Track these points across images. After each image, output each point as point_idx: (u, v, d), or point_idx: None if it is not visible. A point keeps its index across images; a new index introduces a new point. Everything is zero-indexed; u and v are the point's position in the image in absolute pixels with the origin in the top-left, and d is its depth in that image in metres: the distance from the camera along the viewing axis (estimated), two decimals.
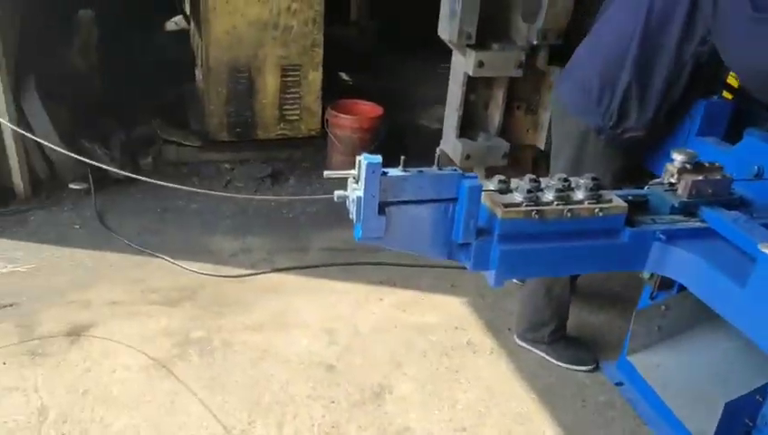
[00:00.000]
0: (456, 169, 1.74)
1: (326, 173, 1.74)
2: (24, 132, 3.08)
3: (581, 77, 2.43)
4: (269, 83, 4.56)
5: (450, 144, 3.88)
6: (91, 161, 2.48)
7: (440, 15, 3.56)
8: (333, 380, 2.66)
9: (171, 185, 2.04)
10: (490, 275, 1.84)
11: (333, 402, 2.54)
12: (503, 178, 1.84)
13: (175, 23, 6.71)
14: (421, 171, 1.72)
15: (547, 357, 2.83)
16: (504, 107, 3.77)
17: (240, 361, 2.72)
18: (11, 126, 3.16)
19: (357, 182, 1.68)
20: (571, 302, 2.84)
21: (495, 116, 3.81)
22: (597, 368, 2.81)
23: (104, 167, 2.82)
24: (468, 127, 3.86)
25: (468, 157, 3.73)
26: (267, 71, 4.51)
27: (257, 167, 4.48)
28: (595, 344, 2.97)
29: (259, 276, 3.31)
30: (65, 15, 4.69)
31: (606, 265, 1.93)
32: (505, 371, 2.78)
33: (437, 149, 4.27)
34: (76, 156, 2.44)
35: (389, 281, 3.34)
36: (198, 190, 2.00)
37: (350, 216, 1.70)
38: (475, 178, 1.74)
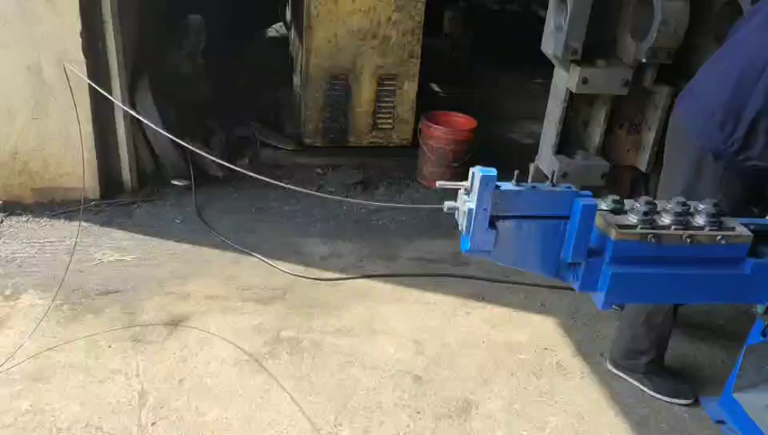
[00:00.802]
0: (570, 187, 1.70)
1: (439, 183, 1.74)
2: (143, 120, 3.23)
3: (705, 100, 2.35)
4: (365, 92, 4.63)
5: (546, 161, 3.81)
6: (203, 152, 2.58)
7: (545, 29, 3.51)
8: (420, 390, 2.65)
9: (268, 179, 2.12)
10: (599, 298, 1.79)
11: (419, 413, 2.53)
12: (617, 198, 1.78)
13: (276, 30, 6.93)
14: (534, 187, 1.70)
15: (642, 387, 2.71)
16: (606, 126, 3.68)
17: (328, 363, 2.75)
18: (131, 111, 3.33)
19: (468, 194, 1.67)
20: (671, 332, 2.72)
21: (596, 134, 3.71)
22: (696, 403, 2.67)
23: (209, 158, 2.90)
24: (564, 144, 3.78)
25: (565, 174, 3.64)
26: (364, 79, 4.58)
27: (348, 173, 4.54)
28: (694, 378, 2.83)
29: (348, 281, 3.35)
30: (176, 20, 4.95)
31: (724, 297, 1.84)
32: (597, 397, 2.69)
33: (530, 166, 4.20)
34: (188, 146, 2.52)
35: (478, 295, 3.30)
36: (293, 188, 2.05)
37: (460, 228, 1.69)
38: (590, 196, 1.70)
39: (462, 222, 1.69)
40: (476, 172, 1.63)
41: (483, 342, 2.98)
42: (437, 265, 3.48)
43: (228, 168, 2.64)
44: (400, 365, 2.78)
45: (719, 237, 1.71)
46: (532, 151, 3.83)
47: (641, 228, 1.71)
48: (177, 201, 3.98)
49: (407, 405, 2.57)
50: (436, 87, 6.85)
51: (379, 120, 4.75)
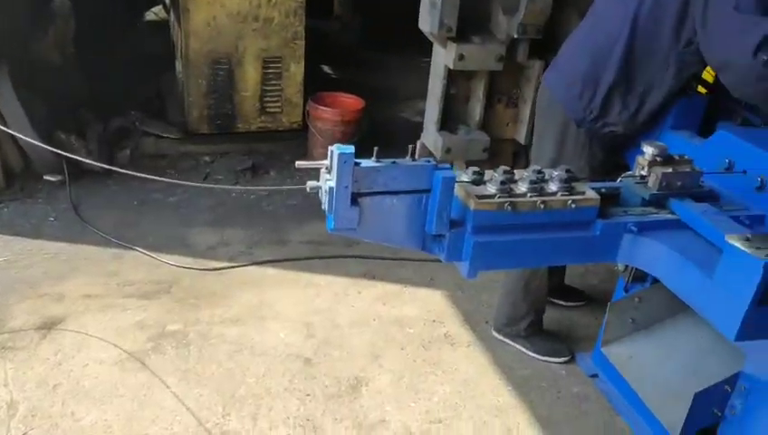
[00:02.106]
0: (429, 161, 1.74)
1: (298, 163, 1.73)
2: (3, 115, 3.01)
3: (567, 71, 2.47)
4: (250, 75, 4.53)
5: (431, 137, 3.88)
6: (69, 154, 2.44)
7: (420, 7, 3.55)
8: (310, 373, 2.65)
9: (144, 175, 2.02)
10: (464, 267, 1.85)
11: (309, 395, 2.54)
12: (477, 169, 1.84)
13: (154, 13, 6.63)
14: (395, 162, 1.72)
15: (524, 350, 2.84)
16: (485, 101, 3.79)
17: (216, 353, 2.70)
18: None
19: (329, 173, 1.68)
20: (547, 295, 2.86)
21: (476, 109, 3.82)
22: (572, 360, 2.83)
23: (78, 158, 2.77)
24: (449, 120, 3.87)
25: (449, 150, 3.74)
26: (248, 63, 4.48)
27: (237, 159, 4.45)
28: (572, 337, 2.99)
29: (237, 269, 3.29)
30: (41, 4, 4.62)
31: (578, 257, 1.94)
32: (482, 363, 2.79)
33: (417, 143, 4.27)
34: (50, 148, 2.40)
35: (369, 274, 3.34)
36: (175, 181, 1.98)
37: (323, 207, 1.69)
38: (449, 169, 1.74)
39: (325, 201, 1.69)
40: (334, 150, 1.63)
41: (374, 319, 3.01)
42: (328, 246, 3.48)
43: (103, 163, 2.52)
44: (291, 349, 2.77)
45: (569, 202, 1.80)
46: (420, 129, 3.89)
47: (499, 197, 1.77)
48: (50, 198, 3.76)
49: (296, 389, 2.56)
50: (327, 69, 6.84)
51: (266, 104, 4.67)
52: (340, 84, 5.74)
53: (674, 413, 2.14)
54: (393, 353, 2.80)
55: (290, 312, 3.01)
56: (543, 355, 2.82)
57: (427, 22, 3.49)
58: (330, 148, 1.66)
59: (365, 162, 1.69)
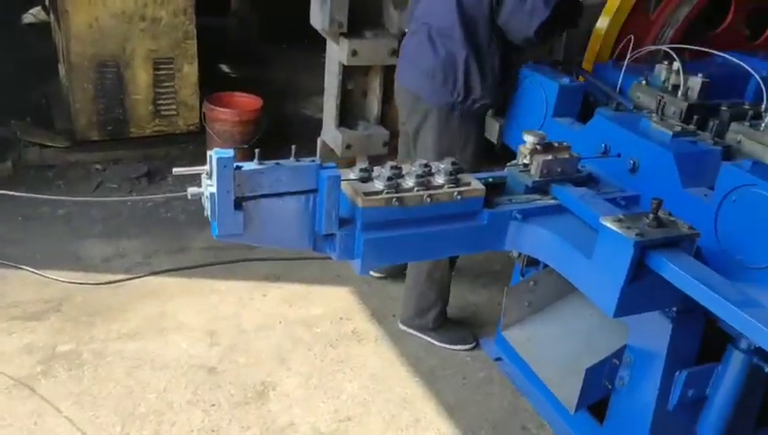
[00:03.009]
0: (314, 160, 1.72)
1: (175, 170, 1.67)
2: None
3: (423, 65, 2.58)
4: (140, 78, 4.35)
5: (330, 134, 3.87)
6: None
7: (311, 3, 3.52)
8: (215, 382, 2.58)
9: (13, 193, 1.89)
10: (356, 265, 1.85)
11: (214, 405, 2.47)
12: (364, 166, 1.84)
13: (32, 15, 6.23)
14: (278, 163, 1.70)
15: (431, 340, 2.88)
16: (382, 95, 3.80)
17: (113, 371, 2.58)
18: None
19: (210, 178, 1.63)
20: (450, 284, 2.91)
21: (374, 104, 3.84)
22: (477, 345, 2.90)
23: None
24: (348, 116, 3.86)
25: (349, 146, 3.73)
26: (137, 65, 4.30)
27: (132, 166, 4.26)
28: (476, 322, 3.07)
29: (135, 281, 3.16)
30: None
31: (468, 247, 1.99)
32: (390, 357, 2.81)
33: (318, 140, 4.23)
34: None
35: (274, 276, 3.29)
36: (50, 197, 1.85)
37: (205, 213, 1.65)
38: (334, 168, 1.73)
39: (207, 207, 1.65)
40: (213, 155, 1.59)
41: (280, 322, 2.97)
42: (231, 251, 3.40)
43: None
44: (194, 360, 2.69)
45: (456, 194, 1.83)
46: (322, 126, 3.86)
47: (386, 193, 1.78)
48: None
49: (201, 400, 2.49)
50: (225, 68, 6.67)
51: (160, 107, 4.50)
52: (239, 83, 5.62)
53: (569, 389, 2.24)
54: (300, 355, 2.78)
55: (192, 321, 2.92)
56: (450, 344, 2.87)
57: (318, 18, 3.47)
58: (208, 153, 1.61)
59: (247, 165, 1.66)
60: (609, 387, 2.23)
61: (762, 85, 2.29)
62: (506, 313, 2.58)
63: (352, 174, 1.83)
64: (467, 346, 2.88)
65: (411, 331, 2.93)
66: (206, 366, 2.66)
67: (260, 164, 1.66)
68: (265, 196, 1.69)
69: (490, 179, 2.04)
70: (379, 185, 1.79)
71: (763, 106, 2.20)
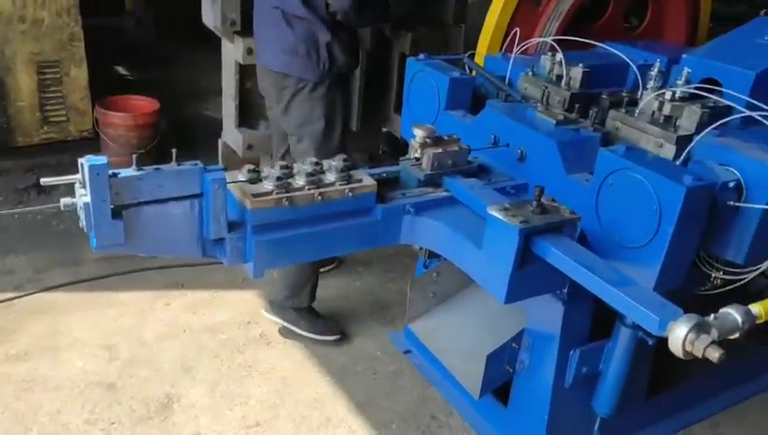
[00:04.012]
0: (197, 163, 1.67)
1: (43, 181, 1.58)
2: None
3: (285, 43, 2.68)
4: (23, 83, 4.09)
5: (231, 135, 3.78)
6: None
7: (202, 1, 3.42)
8: (114, 399, 2.47)
9: None
10: (249, 268, 1.81)
11: (114, 423, 2.36)
12: (252, 167, 1.80)
13: None
14: (158, 169, 1.63)
15: (295, 328, 2.83)
16: None
17: (2, 396, 2.42)
18: None
19: (84, 187, 1.55)
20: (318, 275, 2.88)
21: None
22: (344, 337, 2.88)
23: None
24: (249, 116, 3.78)
25: (250, 147, 3.66)
26: (18, 70, 4.05)
27: (19, 177, 4.01)
28: (388, 316, 3.08)
29: (24, 299, 2.97)
30: None
31: (363, 243, 1.98)
32: (300, 358, 2.78)
33: (220, 141, 4.12)
34: None
35: (177, 284, 3.18)
36: None
37: (81, 224, 1.56)
38: (220, 170, 1.68)
39: (83, 218, 1.56)
40: (84, 163, 1.51)
41: (184, 331, 2.88)
42: (130, 261, 3.25)
43: None
44: (90, 377, 2.56)
45: (347, 191, 1.82)
46: None
47: (276, 194, 1.75)
48: None
49: (99, 419, 2.37)
50: (122, 70, 6.40)
51: (48, 114, 4.26)
52: (137, 85, 5.41)
53: (473, 376, 2.29)
54: (206, 363, 2.70)
55: (88, 337, 2.78)
56: (315, 333, 2.83)
57: (210, 16, 3.38)
58: (80, 160, 1.53)
59: (124, 172, 1.59)
60: (511, 371, 2.29)
61: (637, 74, 2.41)
62: (411, 305, 2.60)
63: (241, 175, 1.79)
64: (332, 337, 2.85)
65: (276, 318, 2.87)
66: (105, 383, 2.54)
67: (138, 170, 1.59)
68: (147, 203, 1.63)
69: (384, 174, 2.06)
70: (268, 186, 1.76)
71: (639, 93, 2.31)
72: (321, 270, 3.27)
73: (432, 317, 2.60)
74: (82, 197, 1.53)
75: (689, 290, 2.15)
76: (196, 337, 2.84)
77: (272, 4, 2.70)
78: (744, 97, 2.12)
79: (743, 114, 2.00)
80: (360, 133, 3.77)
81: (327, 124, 2.75)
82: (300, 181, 1.80)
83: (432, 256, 2.62)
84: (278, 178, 1.77)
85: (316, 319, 2.87)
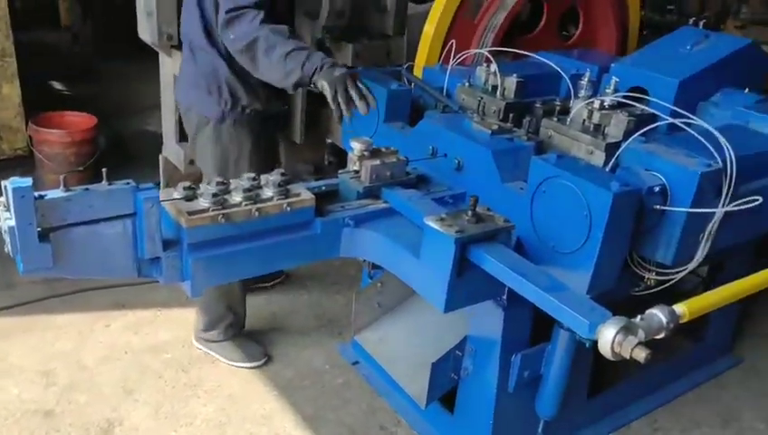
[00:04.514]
0: (129, 182, 1.64)
1: None
2: None
3: (189, 76, 2.54)
4: None
5: (172, 150, 3.73)
6: None
7: (138, 15, 3.37)
8: (52, 426, 2.39)
9: None
10: (186, 286, 1.79)
11: None
12: (188, 184, 1.78)
13: None
14: (87, 189, 1.60)
15: (218, 357, 2.77)
16: None
17: None
18: None
19: (8, 211, 1.50)
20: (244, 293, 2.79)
21: None
22: (269, 360, 2.81)
23: None
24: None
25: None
26: None
27: None
28: (335, 329, 3.07)
29: None
30: None
31: (303, 258, 1.98)
32: (246, 375, 2.74)
33: (161, 157, 4.05)
34: None
35: (118, 304, 3.10)
36: None
37: (6, 249, 1.51)
38: (152, 189, 1.66)
39: (8, 242, 1.52)
40: (8, 185, 1.47)
41: (125, 352, 2.81)
42: (68, 282, 3.14)
43: None
44: (27, 405, 2.47)
45: (285, 205, 1.82)
46: None
47: (212, 211, 1.73)
48: None
49: None
50: (59, 85, 6.22)
51: None
52: (74, 101, 5.26)
53: (419, 385, 2.30)
54: (149, 384, 2.64)
55: (24, 363, 2.68)
56: (236, 361, 2.75)
57: (146, 31, 3.32)
58: (3, 183, 1.49)
59: (51, 193, 1.55)
60: (456, 378, 2.32)
61: (569, 83, 2.49)
62: (357, 316, 2.61)
63: (176, 193, 1.76)
64: (254, 363, 2.76)
65: (202, 347, 2.80)
66: (42, 410, 2.46)
67: (66, 191, 1.56)
68: (76, 224, 1.59)
69: (323, 188, 2.06)
70: (204, 203, 1.74)
71: (571, 102, 2.38)
72: (268, 284, 3.26)
73: (378, 328, 2.61)
74: (7, 220, 1.49)
75: (625, 291, 2.22)
76: (138, 358, 2.77)
77: (183, 31, 2.58)
78: (667, 105, 2.22)
79: (666, 121, 2.08)
80: (305, 145, 3.76)
81: (224, 167, 2.51)
82: (237, 197, 1.79)
83: (377, 266, 2.63)
84: (214, 195, 1.75)
85: (238, 347, 2.77)
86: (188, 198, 1.75)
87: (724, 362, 3.01)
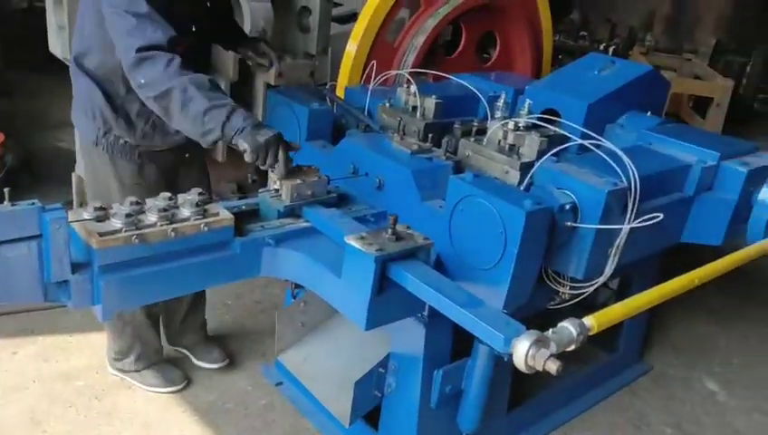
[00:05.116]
0: (34, 203, 1.57)
1: None
2: None
3: (76, 96, 2.35)
4: None
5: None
6: None
7: (48, 29, 3.24)
8: None
9: None
10: (97, 310, 1.72)
11: None
12: (99, 204, 1.72)
13: None
14: None
15: (135, 383, 2.67)
16: None
17: None
18: None
19: None
20: (153, 323, 2.67)
21: None
22: (189, 384, 2.73)
23: None
24: None
25: None
26: None
27: None
28: (259, 349, 3.01)
29: None
30: None
31: (222, 278, 1.95)
32: (164, 400, 2.65)
33: (74, 175, 3.88)
34: None
35: (26, 330, 2.94)
36: None
37: None
38: (59, 209, 1.59)
39: None
40: None
41: (33, 381, 2.66)
42: None
43: None
44: None
45: (202, 225, 1.79)
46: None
47: (125, 231, 1.68)
48: None
49: None
50: None
51: None
52: None
53: (342, 404, 2.29)
54: (58, 414, 2.50)
55: None
56: (154, 387, 2.66)
57: (57, 46, 3.21)
58: None
59: None
60: (380, 395, 2.32)
61: (486, 105, 2.58)
62: (280, 336, 2.58)
63: (86, 214, 1.70)
64: (173, 388, 2.68)
65: (119, 374, 2.69)
66: None
67: None
68: None
69: (243, 207, 2.04)
70: (117, 223, 1.69)
71: (488, 123, 2.46)
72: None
73: (302, 347, 2.59)
74: None
75: (542, 305, 2.30)
76: (47, 387, 2.63)
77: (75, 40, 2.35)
78: (578, 127, 2.33)
79: (577, 142, 2.18)
80: (228, 163, 3.70)
81: (102, 193, 2.33)
82: (152, 217, 1.74)
83: (299, 285, 2.62)
84: (127, 215, 1.70)
85: (156, 373, 2.67)
86: (99, 219, 1.69)
87: (635, 370, 3.16)
